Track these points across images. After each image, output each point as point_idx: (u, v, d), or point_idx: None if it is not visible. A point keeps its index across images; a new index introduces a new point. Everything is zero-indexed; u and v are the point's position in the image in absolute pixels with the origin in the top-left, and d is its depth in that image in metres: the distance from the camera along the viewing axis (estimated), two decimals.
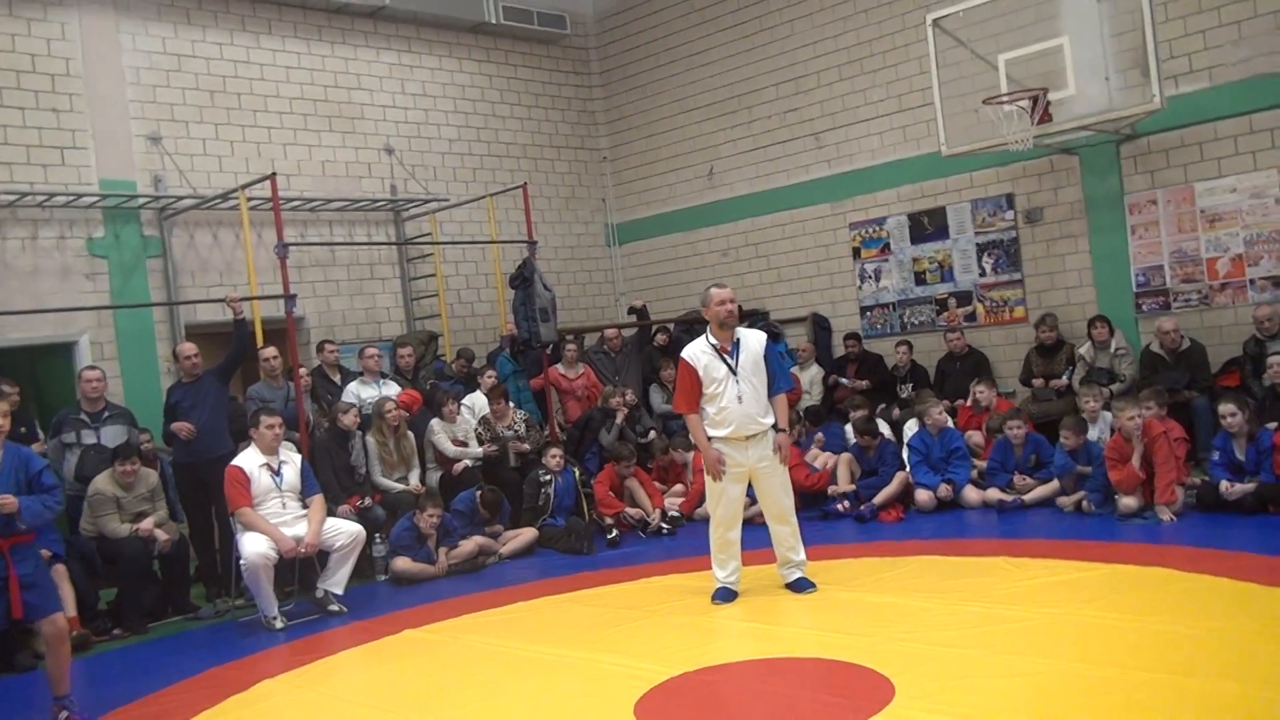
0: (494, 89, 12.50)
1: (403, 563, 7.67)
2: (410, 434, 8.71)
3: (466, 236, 11.72)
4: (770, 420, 6.07)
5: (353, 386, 8.99)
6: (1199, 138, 9.16)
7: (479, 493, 8.35)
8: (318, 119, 10.93)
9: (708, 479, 6.17)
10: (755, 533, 6.52)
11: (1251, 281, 8.98)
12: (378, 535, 7.93)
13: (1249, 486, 6.94)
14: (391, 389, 9.04)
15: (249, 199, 9.23)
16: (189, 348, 7.90)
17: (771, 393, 6.09)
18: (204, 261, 9.97)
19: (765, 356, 6.07)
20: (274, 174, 8.59)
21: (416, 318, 11.43)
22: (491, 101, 12.46)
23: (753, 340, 6.11)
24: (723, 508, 6.11)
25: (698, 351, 6.08)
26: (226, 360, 7.93)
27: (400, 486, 8.41)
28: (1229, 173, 9.04)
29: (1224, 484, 7.01)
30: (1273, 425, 7.33)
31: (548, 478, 8.62)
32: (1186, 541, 6.49)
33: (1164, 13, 8.95)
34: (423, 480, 8.67)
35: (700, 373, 6.02)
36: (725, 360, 6.00)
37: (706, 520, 6.43)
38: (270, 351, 8.54)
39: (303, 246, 10.26)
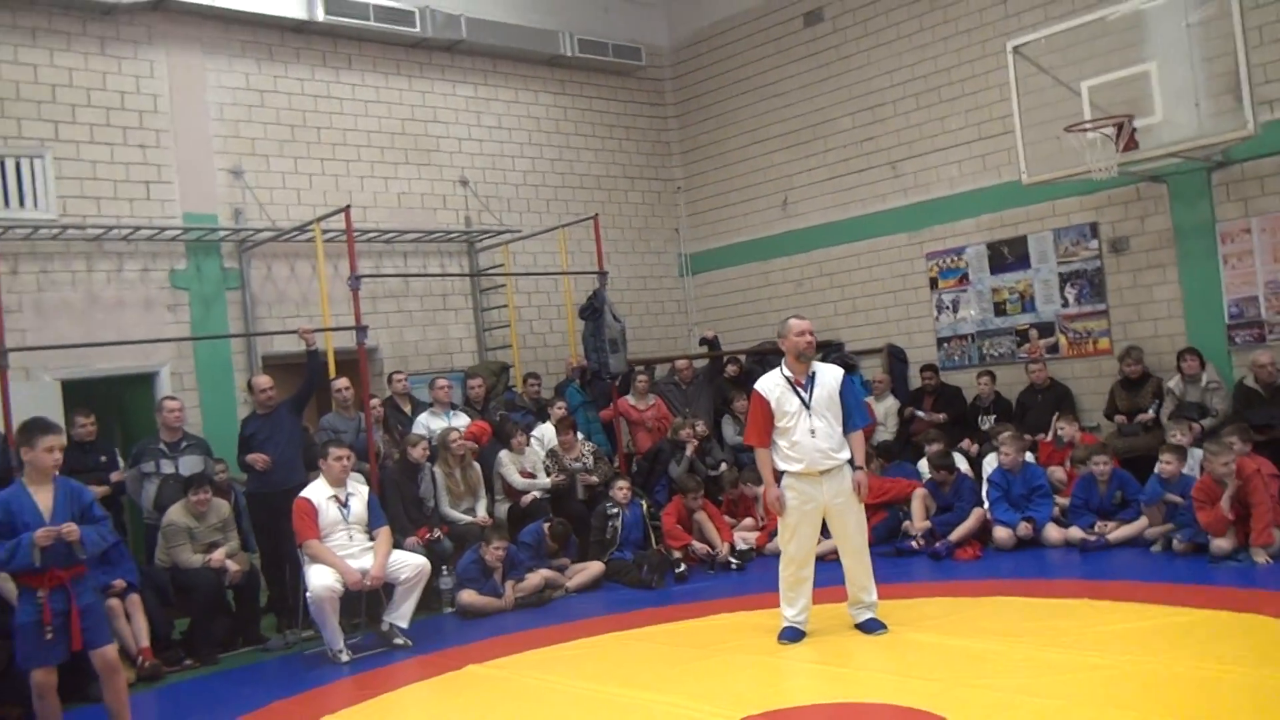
0: (569, 120, 12.58)
1: (468, 596, 7.64)
2: (477, 465, 8.71)
3: (539, 267, 11.77)
4: (846, 455, 5.94)
5: (423, 418, 9.04)
6: None
7: (546, 525, 8.31)
8: (394, 151, 11.10)
9: (783, 519, 6.02)
10: (826, 570, 6.34)
11: None
12: (444, 567, 7.92)
13: None
14: (461, 420, 9.07)
15: (324, 231, 9.38)
16: (265, 380, 8.01)
17: (848, 429, 5.98)
18: (280, 293, 10.15)
19: (841, 391, 5.98)
20: (349, 206, 8.71)
21: (488, 348, 11.49)
22: (566, 133, 12.53)
23: (828, 375, 6.02)
24: (795, 544, 5.97)
25: (771, 384, 6.00)
26: (300, 391, 8.03)
27: (468, 518, 8.41)
28: None
29: None
30: None
31: (615, 510, 8.55)
32: None
33: (1258, 36, 8.62)
34: (490, 512, 8.66)
35: (773, 405, 5.93)
36: (799, 393, 5.91)
37: (777, 555, 6.28)
38: (342, 382, 8.63)
39: (377, 278, 10.40)
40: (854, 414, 6.02)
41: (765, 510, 9.09)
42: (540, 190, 12.21)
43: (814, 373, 5.98)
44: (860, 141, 11.70)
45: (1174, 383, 8.98)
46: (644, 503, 8.82)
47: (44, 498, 4.96)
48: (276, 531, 7.54)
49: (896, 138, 11.39)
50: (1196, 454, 7.89)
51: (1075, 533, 7.86)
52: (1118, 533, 7.74)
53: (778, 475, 5.97)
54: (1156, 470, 7.65)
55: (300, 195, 10.36)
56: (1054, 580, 7.02)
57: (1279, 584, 6.22)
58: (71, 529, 4.88)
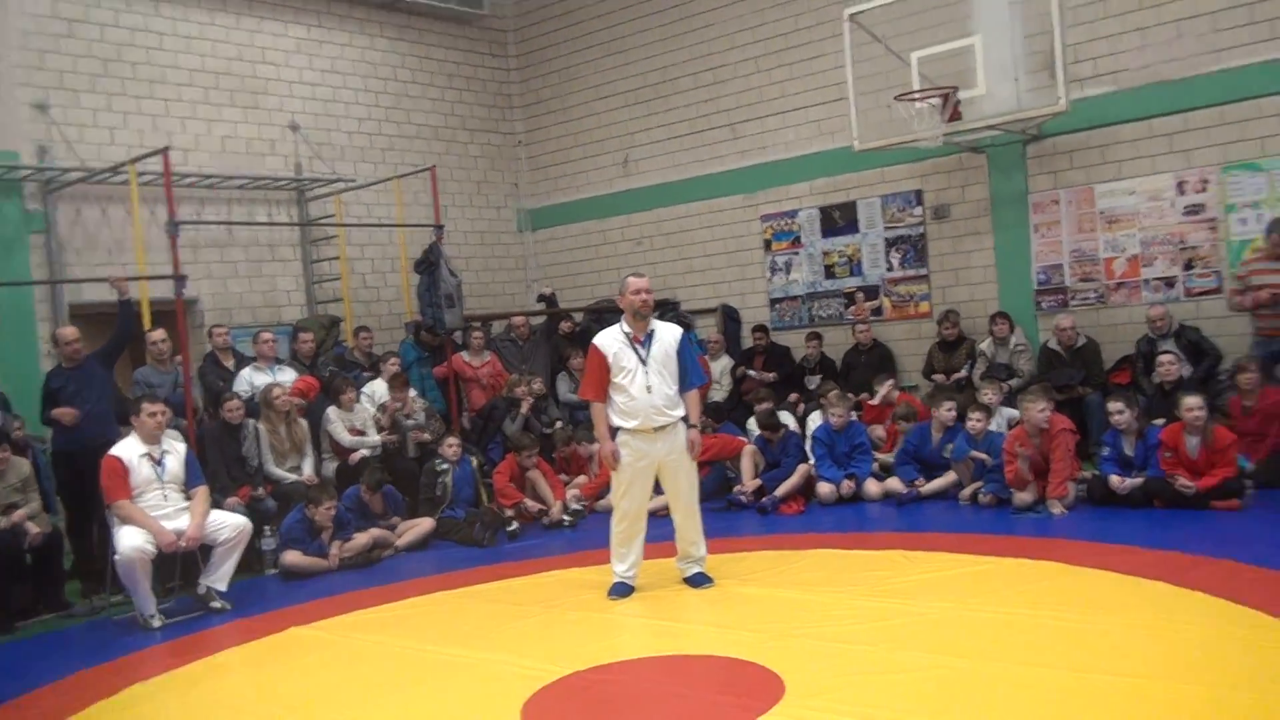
0: (406, 68, 12.21)
1: (293, 556, 7.41)
2: (303, 422, 8.45)
3: (373, 219, 11.44)
4: (680, 413, 5.99)
5: (246, 373, 8.69)
6: (1101, 140, 9.33)
7: (362, 487, 8.08)
8: (219, 93, 10.54)
9: (615, 474, 6.04)
10: (656, 525, 6.43)
11: (1146, 282, 9.19)
12: (267, 528, 7.66)
13: (1137, 481, 7.09)
14: (287, 375, 8.76)
15: (141, 174, 8.83)
16: (69, 332, 7.51)
17: (684, 387, 6.03)
18: (91, 238, 9.53)
19: (679, 350, 6.01)
20: (167, 148, 8.23)
21: (318, 302, 11.11)
22: (403, 81, 12.17)
23: (666, 333, 6.04)
24: (628, 500, 6.02)
25: (609, 339, 5.99)
26: (110, 343, 7.57)
27: (293, 477, 8.15)
28: (1128, 175, 9.23)
29: (1114, 479, 7.14)
30: (1160, 422, 7.49)
31: (444, 467, 8.43)
32: (1077, 536, 6.59)
33: (1072, 16, 9.05)
34: (317, 470, 8.42)
35: (609, 360, 5.93)
36: (636, 350, 5.93)
37: (609, 512, 6.33)
38: (159, 334, 8.20)
39: (198, 225, 9.89)
40: (690, 373, 6.07)
41: (599, 467, 9.15)
42: (375, 139, 11.84)
43: (652, 330, 6.00)
44: (702, 102, 11.79)
45: (986, 345, 9.48)
46: (475, 460, 8.73)
47: None
48: (83, 491, 7.12)
49: (736, 100, 11.52)
50: (1004, 412, 8.35)
51: (893, 484, 8.21)
52: (928, 486, 8.14)
53: (613, 431, 6.00)
54: (966, 427, 8.05)
55: (114, 135, 9.73)
56: (872, 533, 7.32)
57: (1073, 533, 6.67)
58: None
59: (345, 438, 8.64)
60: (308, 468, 8.30)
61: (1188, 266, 9.00)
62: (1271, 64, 8.49)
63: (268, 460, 8.13)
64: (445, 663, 5.10)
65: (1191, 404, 7.00)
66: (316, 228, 11.08)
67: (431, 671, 5.01)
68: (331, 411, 8.73)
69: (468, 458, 8.61)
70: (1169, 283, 9.07)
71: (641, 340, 5.96)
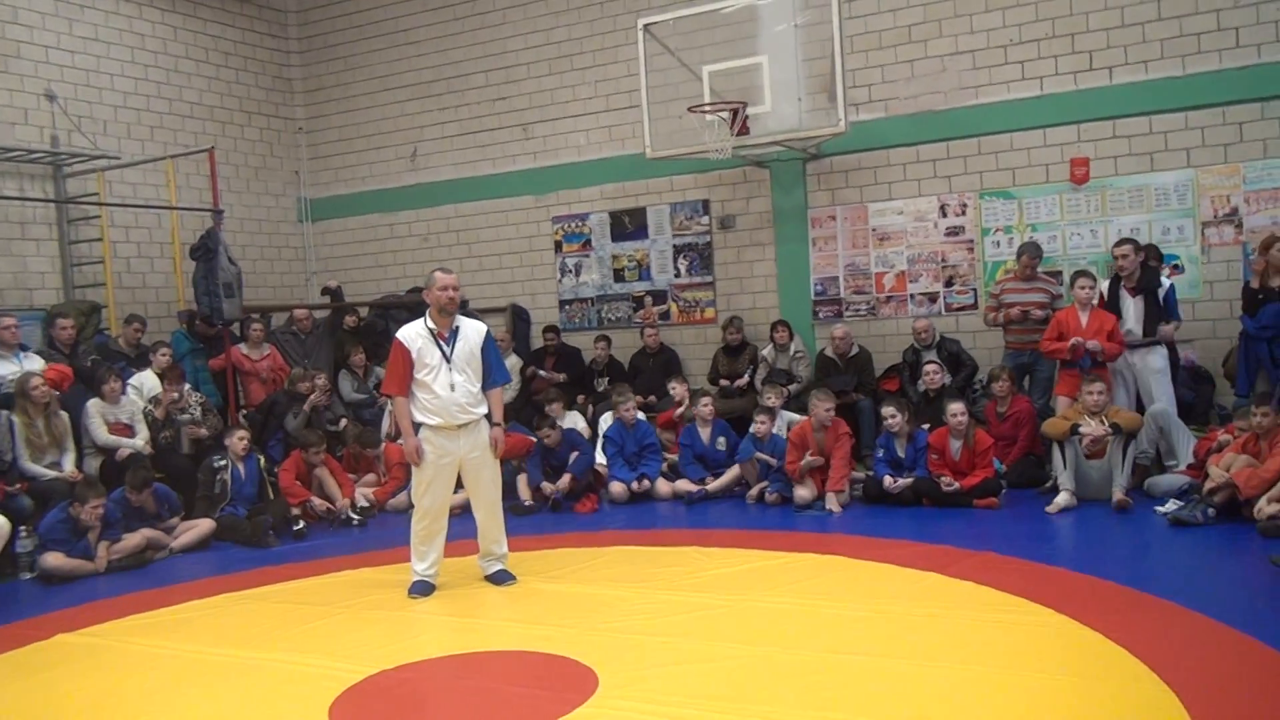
0: (178, 42, 11.50)
1: (54, 559, 6.84)
2: (64, 414, 7.81)
3: (140, 199, 10.70)
4: (483, 411, 5.99)
5: None
6: (874, 162, 9.99)
7: (126, 487, 7.53)
8: None
9: (417, 471, 5.97)
10: (454, 524, 6.36)
11: (912, 296, 9.91)
12: (23, 528, 7.04)
13: (908, 481, 7.65)
14: (35, 363, 8.06)
15: None
16: None
17: (487, 385, 6.02)
18: None
19: (483, 348, 6.00)
20: None
21: (77, 286, 10.27)
22: (175, 55, 11.45)
23: (471, 330, 6.02)
24: (429, 497, 5.95)
25: (414, 334, 5.91)
26: None
27: (52, 474, 7.52)
28: (898, 196, 9.93)
29: (888, 479, 7.68)
30: (926, 427, 8.11)
31: (223, 463, 8.01)
32: (855, 531, 7.05)
33: (850, 45, 9.64)
34: (79, 466, 7.80)
35: (413, 355, 5.84)
36: (441, 347, 5.87)
37: (400, 511, 6.24)
38: None
39: None
40: (495, 371, 6.08)
41: (386, 467, 8.95)
42: (143, 115, 11.08)
43: (457, 327, 5.96)
44: (493, 100, 11.74)
45: (767, 351, 9.94)
46: (260, 457, 8.35)
47: None
48: None
49: (529, 100, 11.55)
50: (784, 415, 8.79)
51: (682, 484, 8.49)
52: (714, 484, 8.48)
53: (415, 427, 5.91)
54: (751, 430, 8.43)
55: None
56: (665, 530, 7.54)
57: (851, 529, 7.13)
58: None
59: (103, 436, 8.04)
60: (68, 463, 7.67)
61: (948, 283, 9.78)
62: (1021, 102, 9.37)
63: (22, 455, 7.46)
64: (238, 665, 4.87)
65: (955, 410, 7.63)
66: (75, 206, 10.25)
67: (225, 675, 4.76)
68: (92, 405, 8.12)
69: (254, 454, 8.22)
70: (932, 298, 9.82)
71: (446, 337, 5.90)
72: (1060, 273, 9.08)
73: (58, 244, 10.21)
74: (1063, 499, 7.21)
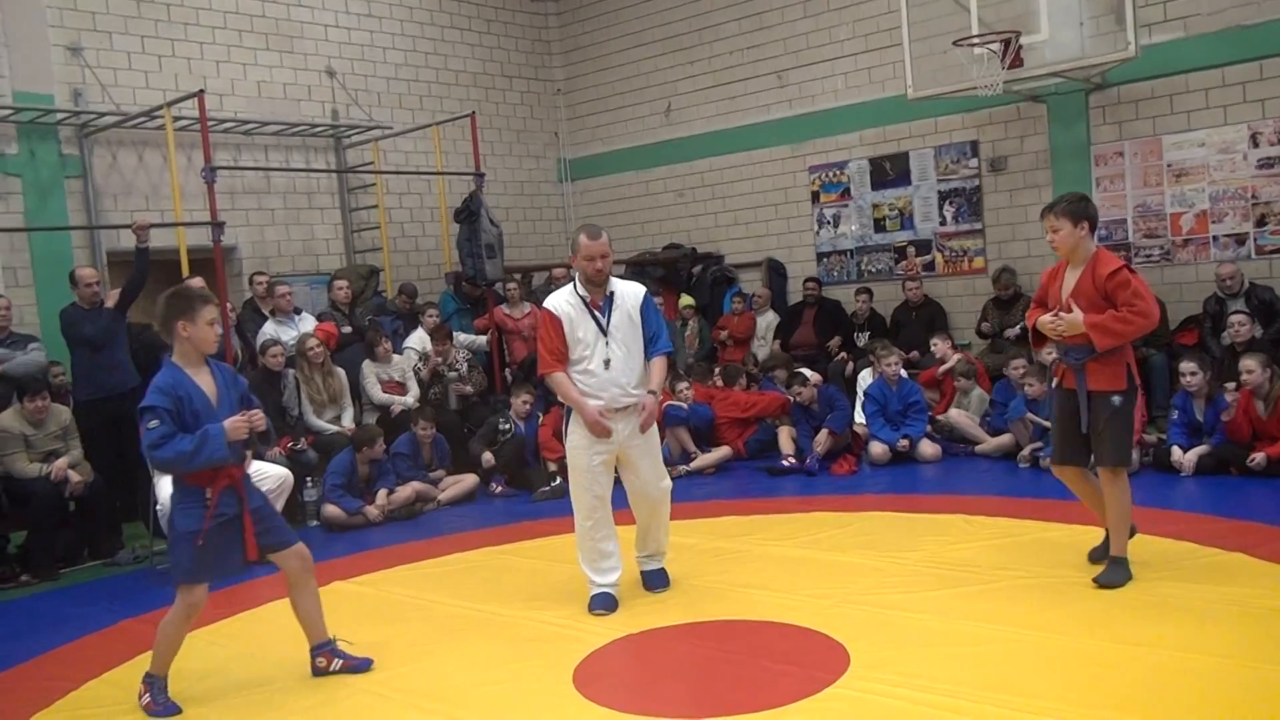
0: (444, 12, 11.91)
1: (334, 509, 7.31)
2: (340, 371, 8.30)
3: (411, 167, 11.22)
4: (643, 392, 5.06)
5: (268, 327, 8.49)
6: (1170, 89, 8.93)
7: (419, 423, 7.94)
8: (254, 36, 10.30)
9: (571, 464, 5.13)
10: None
11: (1215, 238, 8.83)
12: (309, 479, 7.55)
13: (1200, 451, 6.88)
14: (308, 324, 8.60)
15: (176, 118, 8.66)
16: (89, 273, 7.38)
17: (650, 354, 5.10)
18: (128, 184, 9.37)
19: (643, 312, 5.08)
20: (202, 92, 8.05)
21: (357, 250, 10.94)
22: (441, 26, 11.88)
23: (629, 293, 5.10)
24: (590, 496, 5.03)
25: (561, 302, 5.05)
26: (123, 292, 7.33)
27: (334, 428, 8.02)
28: (1198, 126, 8.83)
29: (1175, 452, 6.92)
30: (1231, 385, 7.19)
31: (506, 426, 8.27)
32: (1140, 502, 6.31)
33: None
34: (358, 421, 8.28)
35: (565, 327, 5.00)
36: (595, 318, 5.00)
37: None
38: (197, 282, 7.99)
39: (235, 171, 9.72)
40: (658, 338, 5.12)
41: None
42: (413, 85, 11.58)
43: (612, 292, 5.03)
44: (746, 49, 11.43)
45: None
46: (541, 415, 8.54)
47: (205, 381, 4.13)
48: (114, 440, 7.01)
49: (783, 46, 11.16)
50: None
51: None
52: (984, 446, 7.92)
53: (567, 414, 5.12)
54: (1024, 390, 7.79)
55: (149, 78, 9.53)
56: (928, 495, 7.09)
57: (1136, 499, 6.38)
58: (260, 417, 4.15)
59: (378, 395, 8.50)
60: (348, 419, 8.17)
61: (1260, 223, 8.62)
62: None
63: (308, 411, 8.00)
64: (492, 621, 4.99)
65: (1249, 366, 6.74)
66: (354, 175, 10.88)
67: (477, 629, 4.89)
68: (366, 366, 8.59)
69: (536, 414, 8.44)
70: (1239, 240, 8.71)
71: (600, 305, 5.01)
72: None
73: (340, 212, 10.89)
74: None
